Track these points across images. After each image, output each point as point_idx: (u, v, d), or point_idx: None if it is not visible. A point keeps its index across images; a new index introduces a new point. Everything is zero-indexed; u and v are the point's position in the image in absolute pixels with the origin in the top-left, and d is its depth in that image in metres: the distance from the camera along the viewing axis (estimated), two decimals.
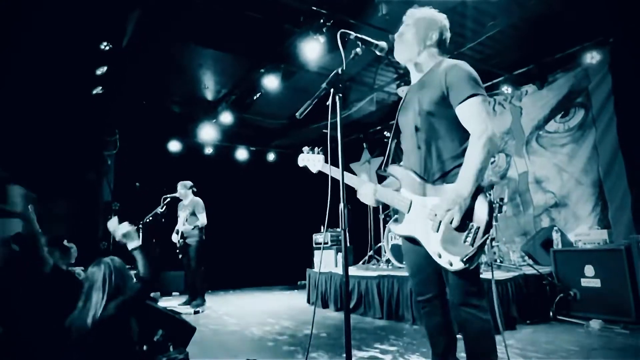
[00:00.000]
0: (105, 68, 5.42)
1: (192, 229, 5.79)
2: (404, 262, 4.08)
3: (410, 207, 1.89)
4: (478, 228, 1.66)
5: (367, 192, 2.05)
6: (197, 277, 5.84)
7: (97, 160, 7.32)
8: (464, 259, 1.64)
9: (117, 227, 2.32)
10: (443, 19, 1.99)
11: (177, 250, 5.88)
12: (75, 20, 4.50)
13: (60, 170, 6.71)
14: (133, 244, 2.31)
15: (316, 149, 2.29)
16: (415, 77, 2.02)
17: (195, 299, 5.79)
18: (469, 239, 1.66)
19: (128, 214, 6.65)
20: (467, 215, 1.68)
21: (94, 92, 5.95)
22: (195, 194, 6.12)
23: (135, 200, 6.93)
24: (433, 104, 1.83)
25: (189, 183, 6.09)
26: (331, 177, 2.01)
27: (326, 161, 2.22)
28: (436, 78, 1.85)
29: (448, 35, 2.00)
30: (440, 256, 1.74)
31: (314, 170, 2.29)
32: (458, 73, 1.79)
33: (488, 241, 1.76)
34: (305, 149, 2.32)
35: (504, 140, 6.51)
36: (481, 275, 1.94)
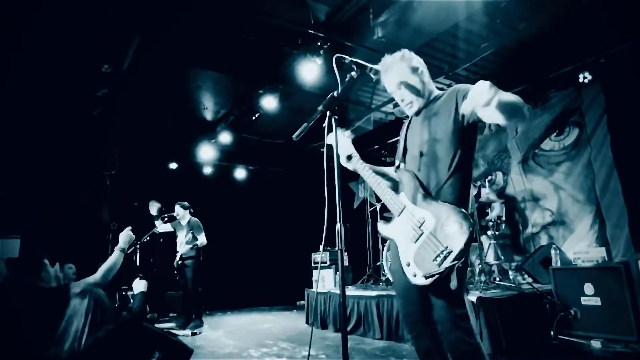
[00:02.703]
0: (105, 90, 5.50)
1: (191, 249, 5.76)
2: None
3: (401, 212, 1.92)
4: (450, 252, 1.67)
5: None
6: (194, 298, 5.78)
7: (95, 180, 7.33)
8: (427, 276, 1.69)
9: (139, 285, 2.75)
10: (408, 57, 2.02)
11: (175, 271, 5.83)
12: (76, 45, 4.60)
13: (58, 190, 6.73)
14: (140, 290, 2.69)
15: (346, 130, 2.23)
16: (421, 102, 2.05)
17: (193, 320, 5.71)
18: (439, 259, 1.68)
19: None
20: (446, 237, 1.70)
21: (94, 112, 6.02)
22: (192, 214, 6.10)
23: (133, 219, 6.90)
24: (440, 131, 1.88)
25: (186, 204, 6.07)
26: (328, 197, 2.00)
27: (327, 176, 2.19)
28: (445, 102, 1.92)
29: (422, 66, 2.04)
30: (408, 265, 1.79)
31: (342, 156, 2.10)
32: (465, 86, 1.85)
33: (466, 266, 1.76)
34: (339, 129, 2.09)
35: (500, 158, 6.57)
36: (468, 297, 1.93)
